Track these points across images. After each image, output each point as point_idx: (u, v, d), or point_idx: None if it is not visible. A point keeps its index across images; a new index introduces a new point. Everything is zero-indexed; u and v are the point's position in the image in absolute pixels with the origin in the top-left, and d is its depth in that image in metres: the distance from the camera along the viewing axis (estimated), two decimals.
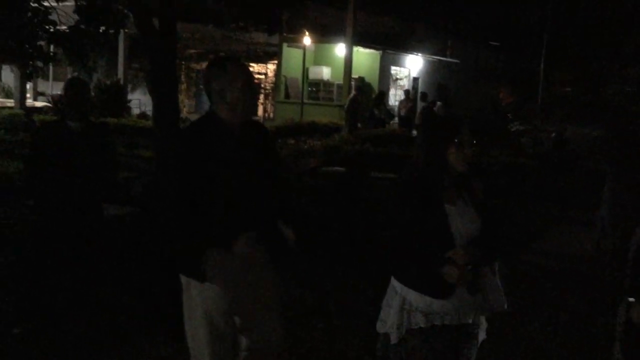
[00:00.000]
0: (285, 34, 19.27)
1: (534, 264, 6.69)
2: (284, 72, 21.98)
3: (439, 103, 17.93)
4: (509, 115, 18.45)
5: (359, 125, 16.96)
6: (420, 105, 18.95)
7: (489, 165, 10.71)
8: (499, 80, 25.98)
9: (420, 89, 22.73)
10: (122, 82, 19.03)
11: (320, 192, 8.91)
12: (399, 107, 18.88)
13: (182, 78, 21.02)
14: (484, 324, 2.70)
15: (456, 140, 2.51)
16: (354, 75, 20.54)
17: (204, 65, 19.51)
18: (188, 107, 22.78)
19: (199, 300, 2.65)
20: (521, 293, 5.26)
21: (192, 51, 21.14)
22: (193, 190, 2.54)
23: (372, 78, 21.86)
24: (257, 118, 23.55)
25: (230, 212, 2.59)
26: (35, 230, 4.10)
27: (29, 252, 4.07)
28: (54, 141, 4.00)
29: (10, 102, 18.87)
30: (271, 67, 24.12)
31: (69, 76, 22.22)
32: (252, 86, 2.63)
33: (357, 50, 20.83)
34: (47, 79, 22.72)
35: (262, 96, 25.01)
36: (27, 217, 5.63)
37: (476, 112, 17.91)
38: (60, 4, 8.40)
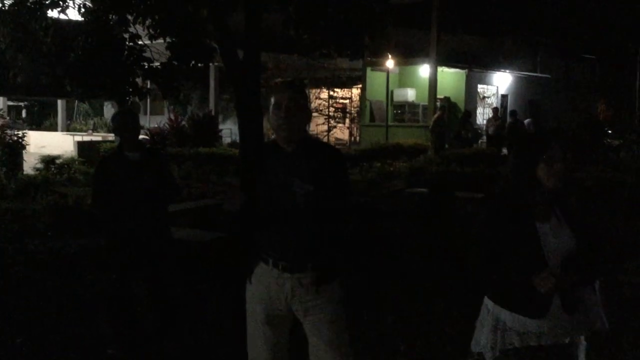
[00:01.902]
0: (368, 58, 19.42)
1: (634, 284, 6.33)
2: (368, 95, 22.11)
3: (527, 120, 17.40)
4: (607, 129, 17.64)
5: (446, 145, 16.74)
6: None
7: (584, 181, 10.26)
8: (595, 94, 24.88)
9: (509, 107, 22.15)
10: (213, 112, 19.78)
11: (405, 214, 8.86)
12: (487, 126, 18.48)
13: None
14: (583, 345, 2.56)
15: (545, 156, 2.46)
16: (440, 95, 20.34)
17: None
18: (274, 135, 23.30)
19: (251, 308, 2.80)
20: (620, 314, 4.99)
21: (278, 80, 21.68)
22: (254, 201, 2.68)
23: (458, 97, 21.56)
24: (343, 141, 23.90)
25: (265, 227, 2.71)
26: (112, 256, 4.30)
27: (113, 275, 4.28)
28: (114, 171, 4.16)
29: (111, 137, 20.06)
30: (355, 91, 24.34)
31: (166, 110, 23.30)
32: (289, 107, 2.66)
33: (442, 70, 20.64)
34: (145, 114, 23.98)
35: (347, 120, 25.23)
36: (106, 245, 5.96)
37: (569, 127, 17.23)
38: (153, 41, 8.90)
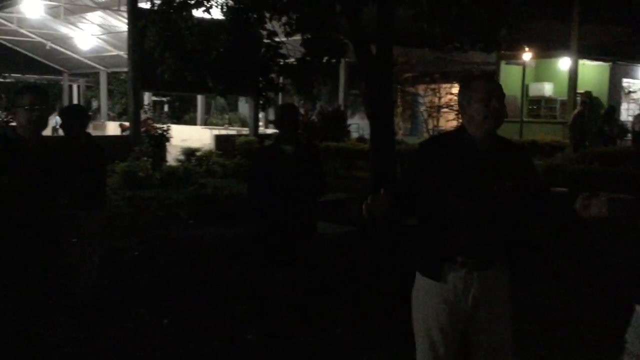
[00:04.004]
0: (503, 51, 18.69)
1: None
2: None
3: None
4: None
5: (586, 143, 15.75)
6: None
7: None
8: None
9: None
10: (342, 107, 20.00)
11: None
12: (634, 122, 17.18)
13: (398, 101, 21.45)
14: None
15: None
16: (580, 90, 19.19)
17: (419, 88, 19.69)
18: (404, 130, 23.14)
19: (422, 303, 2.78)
20: None
21: (408, 75, 21.47)
22: (422, 197, 2.67)
23: (601, 92, 20.19)
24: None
25: (455, 225, 2.64)
26: (258, 245, 4.45)
27: (255, 266, 4.43)
28: (270, 164, 4.30)
29: (245, 130, 20.91)
30: None
31: (296, 105, 23.91)
32: (492, 101, 2.62)
33: (583, 64, 19.45)
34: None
35: None
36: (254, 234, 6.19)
37: None
38: (289, 38, 9.12)
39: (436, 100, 21.62)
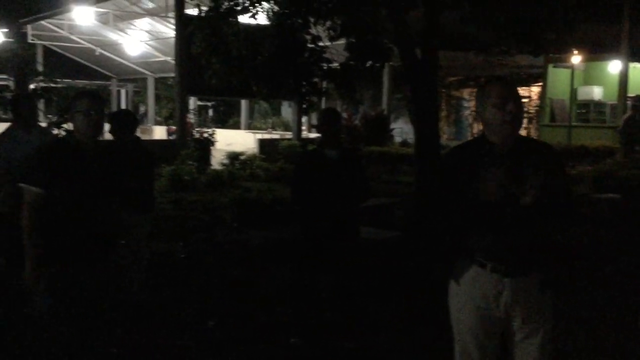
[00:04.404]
0: (551, 55, 18.34)
1: None
2: (549, 94, 20.88)
3: None
4: None
5: (637, 147, 15.28)
6: None
7: None
8: None
9: None
10: (385, 112, 19.92)
11: (593, 220, 8.24)
12: None
13: (443, 105, 21.26)
14: None
15: None
16: (630, 93, 18.64)
17: (464, 92, 19.46)
18: (448, 134, 22.92)
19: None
20: None
21: (453, 78, 21.28)
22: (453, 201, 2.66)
23: None
24: None
25: (483, 231, 2.62)
26: (301, 250, 4.46)
27: (299, 270, 4.44)
28: (312, 168, 4.30)
29: (288, 135, 21.03)
30: (535, 89, 23.10)
31: (339, 109, 23.92)
32: (509, 105, 2.57)
33: (634, 67, 18.90)
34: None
35: (525, 120, 24.03)
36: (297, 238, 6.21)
37: None
38: (332, 42, 9.13)
39: None
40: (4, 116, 15.57)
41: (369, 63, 9.07)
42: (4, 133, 5.04)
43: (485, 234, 2.62)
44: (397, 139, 20.90)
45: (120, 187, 3.36)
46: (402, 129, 23.38)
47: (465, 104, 22.53)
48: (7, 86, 12.99)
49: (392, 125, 20.96)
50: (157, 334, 4.54)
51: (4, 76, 17.02)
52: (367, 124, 18.32)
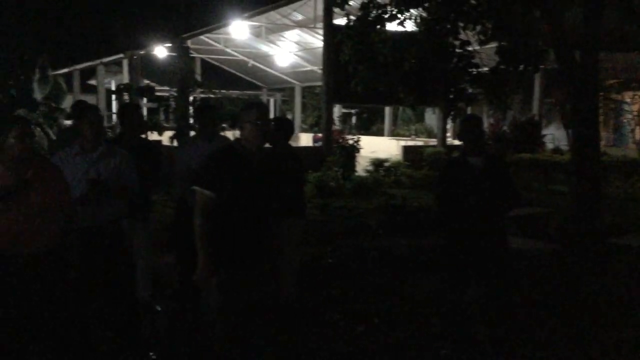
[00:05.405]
0: None
1: None
2: None
3: None
4: None
5: None
6: None
7: None
8: None
9: None
10: (537, 117, 19.00)
11: None
12: None
13: (601, 110, 19.84)
14: None
15: None
16: None
17: (626, 95, 18.03)
18: (606, 141, 21.33)
19: None
20: None
21: (613, 81, 19.79)
22: None
23: None
24: None
25: None
26: (449, 259, 4.36)
27: (449, 280, 4.35)
28: (457, 176, 4.19)
29: (433, 141, 20.72)
30: None
31: (486, 116, 23.31)
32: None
33: None
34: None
35: None
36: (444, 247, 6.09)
37: None
38: (482, 47, 8.89)
39: None
40: (166, 124, 16.79)
41: (521, 67, 8.72)
42: (187, 140, 5.43)
43: None
44: (549, 146, 19.82)
45: (279, 193, 3.50)
46: (553, 135, 22.12)
47: (627, 108, 20.86)
48: (170, 96, 14.04)
49: (544, 131, 19.93)
50: (306, 336, 4.65)
51: (166, 87, 18.43)
52: (517, 130, 17.58)
